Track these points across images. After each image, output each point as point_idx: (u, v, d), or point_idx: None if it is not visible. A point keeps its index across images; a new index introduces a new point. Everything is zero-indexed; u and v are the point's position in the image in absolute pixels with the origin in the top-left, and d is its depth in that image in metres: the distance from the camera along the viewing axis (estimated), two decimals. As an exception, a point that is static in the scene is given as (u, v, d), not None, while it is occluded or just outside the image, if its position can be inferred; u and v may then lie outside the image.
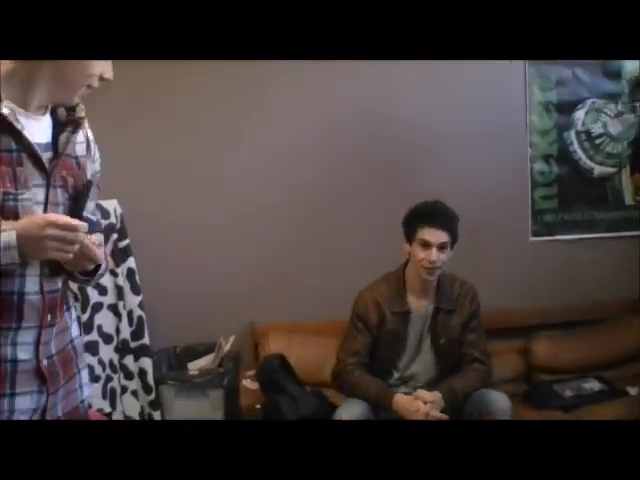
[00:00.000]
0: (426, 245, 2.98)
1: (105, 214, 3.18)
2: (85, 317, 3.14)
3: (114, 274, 3.25)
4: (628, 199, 4.12)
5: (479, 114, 3.97)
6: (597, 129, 4.05)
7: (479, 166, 3.98)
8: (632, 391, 3.68)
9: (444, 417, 2.88)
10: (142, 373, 3.35)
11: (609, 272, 4.07)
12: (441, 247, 2.98)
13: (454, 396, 2.96)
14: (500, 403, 2.91)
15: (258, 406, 3.21)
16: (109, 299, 3.25)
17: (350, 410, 2.90)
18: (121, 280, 3.28)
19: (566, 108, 4.02)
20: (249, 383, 3.45)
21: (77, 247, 1.40)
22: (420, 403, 2.88)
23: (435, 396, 2.91)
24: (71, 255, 1.41)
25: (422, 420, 2.84)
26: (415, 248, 3.02)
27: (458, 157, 3.96)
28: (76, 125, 1.65)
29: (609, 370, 3.86)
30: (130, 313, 3.33)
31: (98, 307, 3.22)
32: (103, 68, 1.67)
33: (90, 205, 1.65)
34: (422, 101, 3.93)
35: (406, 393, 3.01)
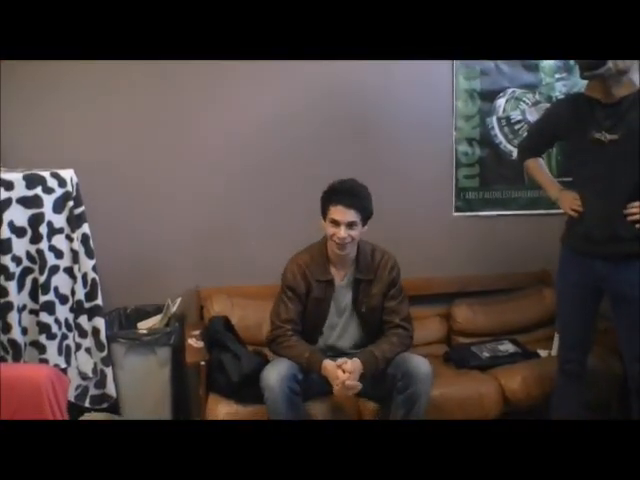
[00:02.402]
0: (335, 223, 3.09)
1: (62, 182, 3.25)
2: (42, 279, 3.17)
3: (70, 239, 3.29)
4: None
5: (411, 99, 4.09)
6: (516, 116, 4.23)
7: (409, 147, 4.11)
8: (542, 353, 3.88)
9: (358, 386, 3.01)
10: (95, 332, 3.40)
11: (523, 246, 4.28)
12: (350, 225, 3.08)
13: (374, 362, 3.08)
14: (422, 368, 3.04)
15: (202, 363, 3.27)
16: (65, 262, 3.28)
17: (278, 368, 3.02)
18: (76, 245, 3.30)
19: (489, 96, 4.19)
20: (194, 342, 3.50)
21: None
22: (340, 371, 3.01)
23: (354, 364, 3.02)
24: None
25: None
26: (327, 225, 3.14)
27: (391, 138, 4.09)
28: None
29: (522, 334, 4.08)
30: (84, 276, 3.35)
31: (55, 270, 3.23)
32: None
33: None
34: (361, 87, 4.02)
35: (333, 357, 3.14)
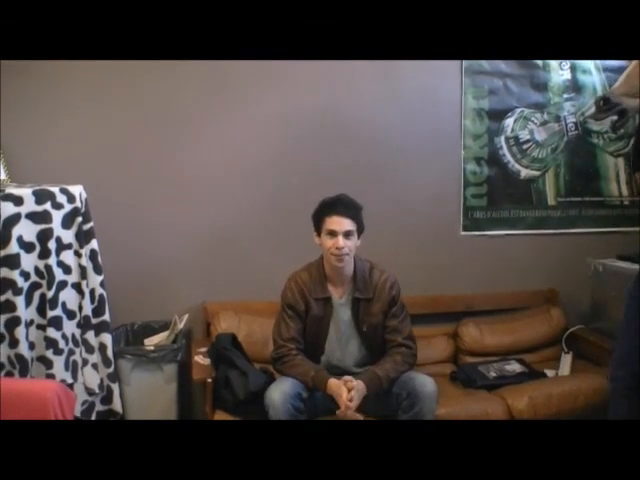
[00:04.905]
0: (332, 233, 3.12)
1: (71, 198, 3.25)
2: (50, 294, 3.16)
3: (78, 255, 3.28)
4: (550, 200, 4.31)
5: (419, 118, 4.11)
6: (524, 135, 4.25)
7: (417, 165, 4.13)
8: (549, 373, 3.87)
9: (358, 416, 3.00)
10: (102, 347, 3.39)
11: (531, 265, 4.30)
12: (347, 234, 3.11)
13: (378, 382, 3.07)
14: (427, 387, 3.02)
15: (209, 380, 3.26)
16: (73, 278, 3.27)
17: (282, 386, 3.01)
18: (84, 260, 3.29)
19: (497, 115, 4.21)
20: (201, 359, 3.50)
21: None
22: (344, 389, 2.99)
23: (357, 385, 3.00)
24: None
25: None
26: (323, 237, 3.16)
27: (399, 156, 4.10)
28: None
29: (528, 354, 4.08)
30: (92, 291, 3.34)
31: (63, 285, 3.23)
32: None
33: None
34: (370, 105, 4.05)
35: (336, 375, 3.12)
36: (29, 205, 3.14)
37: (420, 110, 4.14)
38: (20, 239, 3.10)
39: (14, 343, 3.09)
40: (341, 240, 3.11)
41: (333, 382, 3.05)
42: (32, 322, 3.20)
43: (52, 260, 3.20)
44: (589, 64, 4.28)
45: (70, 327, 3.30)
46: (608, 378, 3.20)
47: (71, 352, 3.31)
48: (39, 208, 3.16)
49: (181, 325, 3.72)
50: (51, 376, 3.21)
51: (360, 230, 3.20)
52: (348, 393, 2.99)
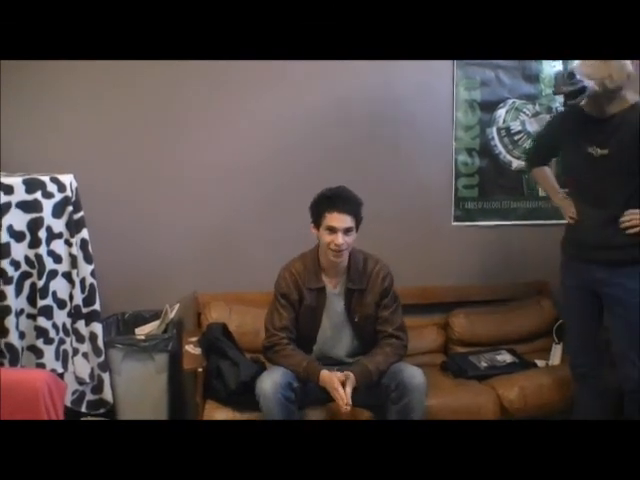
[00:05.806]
0: (332, 230, 3.07)
1: (62, 187, 3.23)
2: (41, 284, 3.15)
3: (68, 244, 3.28)
4: (541, 191, 4.27)
5: (411, 109, 4.09)
6: (516, 126, 4.25)
7: (409, 156, 4.12)
8: (540, 363, 3.90)
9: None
10: (93, 337, 3.38)
11: (522, 256, 4.30)
12: (347, 231, 3.07)
13: (368, 375, 3.05)
14: (416, 378, 3.01)
15: (200, 369, 3.26)
16: (64, 267, 3.26)
17: (273, 376, 3.00)
18: (75, 250, 3.29)
19: (489, 106, 4.20)
20: (192, 348, 3.51)
21: None
22: (339, 383, 2.98)
23: (347, 377, 3.00)
24: None
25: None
26: (322, 232, 3.12)
27: (391, 147, 4.10)
28: None
29: (519, 344, 4.07)
30: (83, 281, 3.33)
31: (53, 274, 3.22)
32: None
33: None
34: (365, 95, 4.03)
35: (327, 366, 3.13)
36: (19, 194, 3.13)
37: (412, 102, 4.12)
38: (10, 228, 3.10)
39: (4, 332, 3.09)
40: (340, 237, 3.07)
41: (326, 374, 3.05)
42: (22, 311, 3.20)
43: (42, 249, 3.19)
44: (581, 56, 4.27)
45: (61, 316, 3.29)
46: (570, 368, 3.35)
47: (61, 341, 3.31)
48: (29, 197, 3.15)
49: (172, 315, 3.71)
50: (41, 365, 3.21)
51: (358, 224, 3.16)
52: (342, 387, 2.98)
